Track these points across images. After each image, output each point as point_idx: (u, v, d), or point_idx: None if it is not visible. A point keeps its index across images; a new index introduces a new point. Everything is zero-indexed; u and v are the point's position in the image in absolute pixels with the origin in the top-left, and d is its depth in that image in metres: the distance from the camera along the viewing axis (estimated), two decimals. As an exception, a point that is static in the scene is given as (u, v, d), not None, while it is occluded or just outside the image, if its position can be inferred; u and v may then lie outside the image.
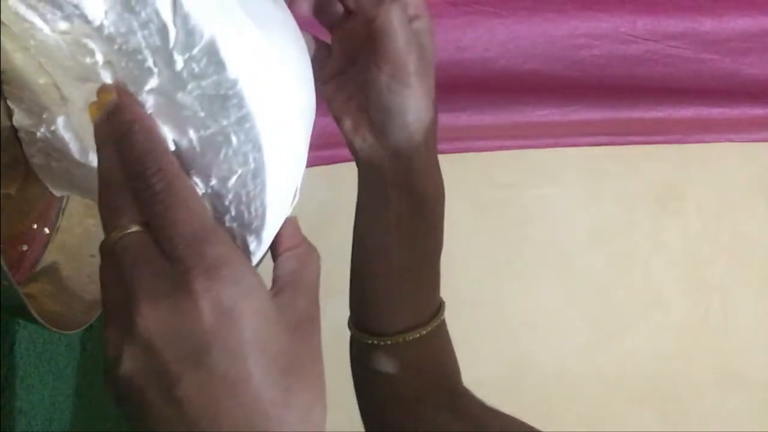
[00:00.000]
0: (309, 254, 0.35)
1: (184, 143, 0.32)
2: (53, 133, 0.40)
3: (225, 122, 0.32)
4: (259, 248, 0.35)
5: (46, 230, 0.48)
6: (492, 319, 1.18)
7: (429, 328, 0.54)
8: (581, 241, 1.19)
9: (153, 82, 0.32)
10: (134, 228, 0.31)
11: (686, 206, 1.20)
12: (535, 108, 1.03)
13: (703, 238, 1.20)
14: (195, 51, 0.30)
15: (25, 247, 0.46)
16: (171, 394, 0.29)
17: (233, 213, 0.34)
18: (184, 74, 0.31)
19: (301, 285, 0.33)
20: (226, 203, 0.33)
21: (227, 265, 0.29)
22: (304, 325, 0.32)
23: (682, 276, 1.21)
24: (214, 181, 0.33)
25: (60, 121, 0.39)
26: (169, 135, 0.32)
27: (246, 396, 0.29)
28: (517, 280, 1.19)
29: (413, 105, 0.46)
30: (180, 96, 0.31)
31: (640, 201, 1.20)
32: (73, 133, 0.39)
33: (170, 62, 0.31)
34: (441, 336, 0.56)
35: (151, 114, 0.32)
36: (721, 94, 1.05)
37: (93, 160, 0.40)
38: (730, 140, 1.11)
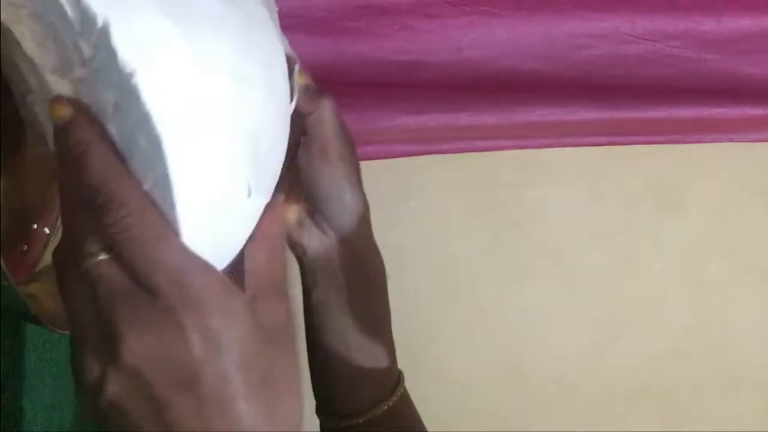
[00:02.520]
0: (277, 248, 0.35)
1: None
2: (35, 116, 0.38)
3: (128, 122, 0.29)
4: None
5: (46, 230, 0.48)
6: (492, 319, 1.18)
7: (395, 398, 0.55)
8: (581, 241, 1.19)
9: (79, 71, 0.29)
10: (105, 256, 0.30)
11: (686, 206, 1.20)
12: (535, 108, 1.03)
13: (703, 238, 1.20)
14: (93, 38, 0.28)
15: (25, 247, 0.46)
16: (159, 418, 0.30)
17: None
18: (94, 64, 0.28)
19: (273, 287, 0.34)
20: None
21: (213, 297, 0.30)
22: (281, 331, 0.33)
23: (682, 276, 1.21)
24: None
25: (37, 109, 0.37)
26: None
27: (233, 415, 0.30)
28: (517, 280, 1.19)
29: (346, 186, 0.51)
30: (99, 88, 0.29)
31: (640, 201, 1.20)
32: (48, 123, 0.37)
33: (80, 50, 0.28)
34: (407, 405, 0.57)
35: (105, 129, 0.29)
36: (721, 94, 1.05)
37: None
38: (730, 140, 1.11)
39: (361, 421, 0.54)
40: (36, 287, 0.46)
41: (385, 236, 1.22)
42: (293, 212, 0.40)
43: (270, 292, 0.33)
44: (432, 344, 1.16)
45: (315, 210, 0.51)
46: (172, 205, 0.30)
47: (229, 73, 0.31)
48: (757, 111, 1.06)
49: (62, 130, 0.30)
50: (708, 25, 1.01)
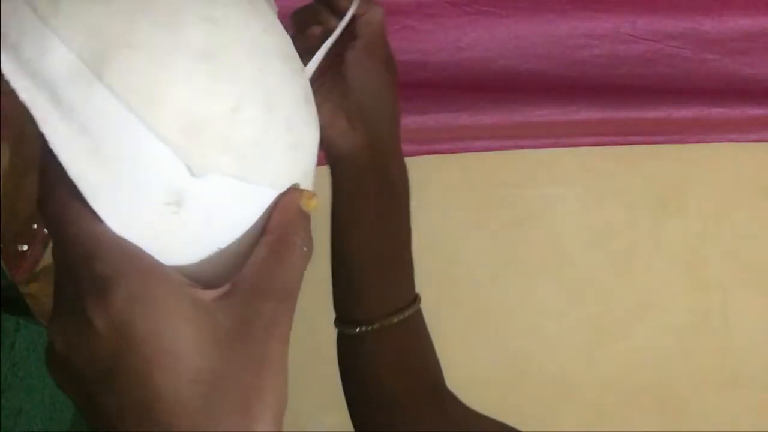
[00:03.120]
0: (285, 243, 0.31)
1: None
2: None
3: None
4: None
5: (46, 230, 0.48)
6: (492, 319, 1.18)
7: (411, 311, 0.56)
8: (581, 241, 1.19)
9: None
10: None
11: (686, 206, 1.20)
12: (535, 108, 1.03)
13: (703, 238, 1.20)
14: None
15: (25, 247, 0.46)
16: (93, 406, 0.28)
17: None
18: None
19: (265, 288, 0.30)
20: None
21: (119, 280, 0.27)
22: (255, 339, 0.28)
23: (682, 276, 1.21)
24: None
25: None
26: None
27: (159, 421, 0.27)
28: (517, 280, 1.19)
29: (386, 86, 0.52)
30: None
31: (640, 201, 1.20)
32: None
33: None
34: (421, 325, 0.58)
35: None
36: (721, 94, 1.05)
37: None
38: (730, 140, 1.11)
39: (374, 327, 0.54)
40: (36, 287, 0.46)
41: (385, 236, 1.21)
42: (310, 199, 0.33)
43: (259, 292, 0.29)
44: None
45: (352, 109, 0.51)
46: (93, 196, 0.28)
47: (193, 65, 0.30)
48: (757, 111, 1.06)
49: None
50: (708, 25, 1.01)
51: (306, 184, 0.34)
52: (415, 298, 0.58)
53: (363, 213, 0.54)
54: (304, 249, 0.31)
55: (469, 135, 1.06)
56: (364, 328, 0.54)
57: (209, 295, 0.29)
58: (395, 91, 0.53)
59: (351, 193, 0.53)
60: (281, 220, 0.31)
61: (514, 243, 1.18)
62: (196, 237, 0.30)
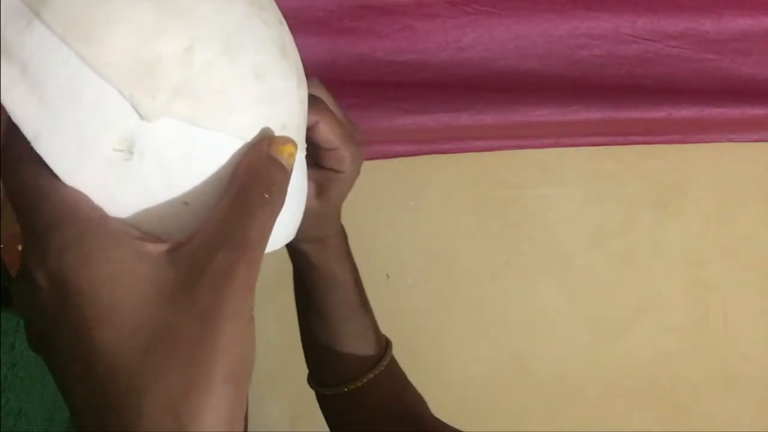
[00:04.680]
0: (251, 198, 0.29)
1: None
2: None
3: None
4: None
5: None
6: (492, 319, 1.18)
7: (385, 363, 0.56)
8: (581, 241, 1.19)
9: None
10: None
11: (686, 206, 1.20)
12: (535, 108, 1.03)
13: (703, 238, 1.20)
14: None
15: (25, 247, 0.46)
16: (49, 367, 0.27)
17: None
18: None
19: (226, 237, 0.27)
20: None
21: (53, 231, 0.26)
22: (209, 288, 0.26)
23: (682, 276, 1.21)
24: None
25: None
26: None
27: (99, 376, 0.25)
28: (517, 280, 1.19)
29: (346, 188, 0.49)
30: None
31: (640, 201, 1.20)
32: None
33: None
34: (395, 370, 0.58)
35: None
36: (721, 94, 1.05)
37: None
38: (730, 140, 1.11)
39: (352, 387, 0.54)
40: (36, 287, 0.46)
41: (385, 236, 1.23)
42: (283, 145, 0.30)
43: (213, 243, 0.27)
44: (432, 344, 1.16)
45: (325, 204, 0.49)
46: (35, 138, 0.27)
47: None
48: (757, 111, 1.06)
49: None
50: (708, 25, 1.01)
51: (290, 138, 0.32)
52: (387, 343, 0.58)
53: (343, 271, 0.54)
54: (267, 198, 0.29)
55: (469, 135, 1.06)
56: (343, 389, 0.55)
57: (159, 248, 0.27)
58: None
59: (337, 247, 0.53)
60: (246, 168, 0.29)
61: (514, 243, 1.18)
62: (153, 189, 0.28)
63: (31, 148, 0.27)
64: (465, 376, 1.18)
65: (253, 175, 0.29)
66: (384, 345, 0.58)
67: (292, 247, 0.52)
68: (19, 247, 0.45)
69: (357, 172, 0.48)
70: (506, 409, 1.18)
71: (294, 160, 0.31)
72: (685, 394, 1.21)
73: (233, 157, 0.30)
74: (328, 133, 0.43)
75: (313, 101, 0.41)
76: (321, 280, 0.53)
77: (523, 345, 1.19)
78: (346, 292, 0.54)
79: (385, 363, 0.56)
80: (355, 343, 0.55)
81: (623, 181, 1.19)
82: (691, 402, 1.21)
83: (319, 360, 0.57)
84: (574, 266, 1.19)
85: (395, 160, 1.07)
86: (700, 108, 1.05)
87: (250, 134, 0.31)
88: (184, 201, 0.29)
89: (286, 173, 0.30)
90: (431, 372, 1.12)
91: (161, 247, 0.27)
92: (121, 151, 0.28)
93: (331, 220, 0.51)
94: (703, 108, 1.05)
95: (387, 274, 1.13)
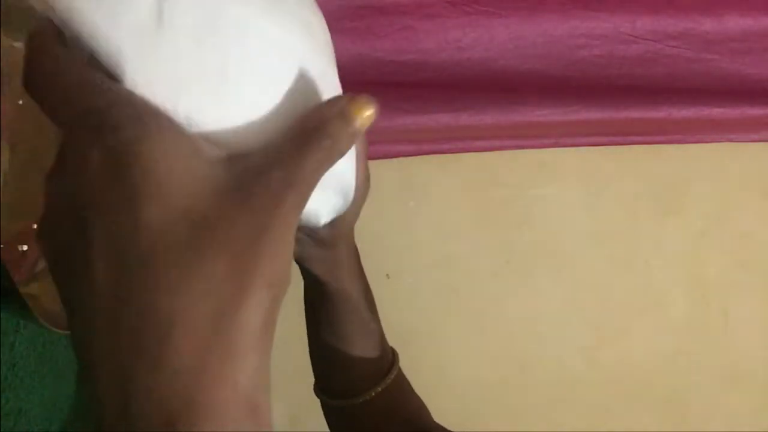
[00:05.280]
0: (317, 140, 0.28)
1: None
2: None
3: None
4: None
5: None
6: (492, 319, 1.18)
7: (392, 375, 0.56)
8: (581, 241, 1.19)
9: None
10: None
11: (686, 206, 1.20)
12: (535, 108, 1.03)
13: (703, 238, 1.20)
14: None
15: (25, 247, 0.46)
16: (77, 266, 0.25)
17: None
18: None
19: (275, 164, 0.27)
20: None
21: (113, 107, 0.25)
22: (257, 201, 0.26)
23: (682, 276, 1.21)
24: None
25: None
26: None
27: (139, 251, 0.24)
28: (517, 280, 1.19)
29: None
30: None
31: (640, 201, 1.20)
32: None
33: None
34: (401, 381, 0.59)
35: None
36: (721, 94, 1.05)
37: None
38: (730, 140, 1.11)
39: (360, 401, 0.55)
40: (36, 287, 0.46)
41: (385, 236, 1.23)
42: (366, 112, 0.29)
43: (270, 166, 0.27)
44: (432, 344, 1.16)
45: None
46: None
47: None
48: (757, 111, 1.06)
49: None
50: (708, 25, 1.01)
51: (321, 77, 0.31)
52: (394, 359, 0.58)
53: (355, 290, 0.54)
54: (328, 144, 0.28)
55: (469, 135, 1.06)
56: (355, 401, 0.55)
57: (216, 152, 0.27)
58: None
59: (349, 266, 0.54)
60: (319, 113, 0.29)
61: (514, 243, 1.18)
62: (211, 72, 0.28)
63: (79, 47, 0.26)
64: (465, 376, 1.18)
65: (326, 122, 0.29)
66: (391, 357, 0.58)
67: (303, 263, 0.53)
68: (19, 247, 0.45)
69: (368, 190, 0.49)
70: (506, 409, 1.18)
71: (367, 125, 0.30)
72: (685, 394, 1.21)
73: (294, 60, 0.30)
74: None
75: None
76: (332, 297, 0.54)
77: (523, 345, 1.19)
78: (357, 310, 0.55)
79: (393, 375, 0.56)
80: (365, 357, 0.55)
81: (623, 181, 1.19)
82: (691, 402, 1.21)
83: (327, 372, 0.57)
84: (574, 266, 1.19)
85: (395, 160, 1.07)
86: (700, 108, 1.05)
87: (300, 48, 0.30)
88: (243, 104, 0.28)
89: (353, 136, 0.30)
90: (431, 372, 1.12)
91: (219, 153, 0.27)
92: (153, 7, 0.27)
93: (345, 239, 0.52)
94: (703, 108, 1.05)
95: (387, 274, 1.13)
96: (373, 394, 0.55)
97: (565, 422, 1.19)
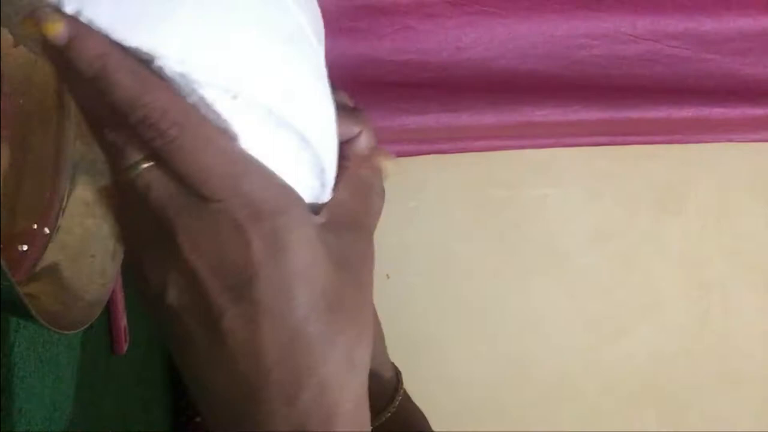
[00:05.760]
0: (369, 186, 0.33)
1: None
2: None
3: None
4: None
5: (46, 230, 0.48)
6: (492, 319, 1.18)
7: (399, 398, 0.56)
8: (581, 241, 1.19)
9: None
10: (148, 164, 0.27)
11: (686, 206, 1.20)
12: (535, 108, 1.03)
13: (703, 238, 1.20)
14: None
15: (25, 247, 0.46)
16: (216, 327, 0.28)
17: None
18: None
19: (352, 222, 0.31)
20: None
21: (272, 199, 0.28)
22: (354, 264, 0.31)
23: (682, 276, 1.21)
24: None
25: None
26: None
27: (288, 330, 0.28)
28: (517, 280, 1.19)
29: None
30: None
31: (640, 201, 1.20)
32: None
33: None
34: (410, 404, 0.58)
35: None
36: (721, 94, 1.05)
37: None
38: (730, 140, 1.11)
39: (376, 425, 0.54)
40: (36, 287, 0.46)
41: (385, 236, 1.22)
42: (385, 158, 0.34)
43: (347, 225, 0.31)
44: (432, 344, 1.16)
45: None
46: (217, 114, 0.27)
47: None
48: (757, 111, 1.06)
49: (67, 49, 0.25)
50: (708, 25, 1.01)
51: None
52: (398, 382, 0.58)
53: None
54: (382, 193, 0.34)
55: (469, 135, 1.06)
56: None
57: (319, 220, 0.30)
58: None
59: None
60: (360, 169, 0.33)
61: (513, 243, 1.18)
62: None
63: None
64: (465, 376, 1.18)
65: (367, 163, 0.34)
66: (395, 378, 0.57)
67: None
68: (19, 247, 0.45)
69: (382, 202, 0.48)
70: (506, 409, 1.18)
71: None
72: (685, 394, 1.21)
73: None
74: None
75: (353, 111, 0.40)
76: None
77: (523, 345, 1.19)
78: None
79: (402, 391, 0.56)
80: (373, 379, 0.55)
81: (623, 181, 1.19)
82: (691, 402, 1.21)
83: None
84: (574, 266, 1.19)
85: (395, 160, 1.07)
86: (700, 108, 1.05)
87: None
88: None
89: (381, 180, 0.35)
90: (431, 372, 1.11)
91: (320, 220, 0.30)
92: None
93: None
94: (703, 108, 1.05)
95: (387, 274, 1.13)
96: (383, 419, 0.54)
97: (564, 422, 1.19)
